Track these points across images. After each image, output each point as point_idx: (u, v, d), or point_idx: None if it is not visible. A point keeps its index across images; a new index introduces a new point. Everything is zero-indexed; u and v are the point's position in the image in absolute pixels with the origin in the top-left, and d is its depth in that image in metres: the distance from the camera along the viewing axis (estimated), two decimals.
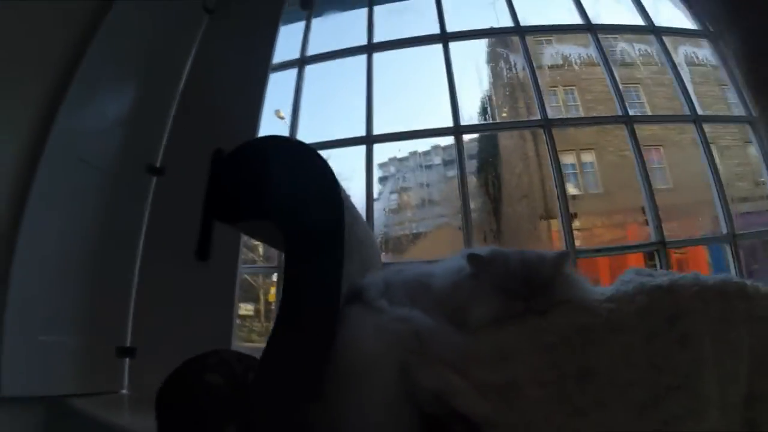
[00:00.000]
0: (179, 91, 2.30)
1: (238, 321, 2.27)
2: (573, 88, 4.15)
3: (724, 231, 2.11)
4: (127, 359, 2.05)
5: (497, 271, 0.87)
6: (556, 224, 4.50)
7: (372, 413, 0.74)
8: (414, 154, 4.10)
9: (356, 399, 0.75)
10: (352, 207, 1.04)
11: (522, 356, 0.79)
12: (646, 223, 2.60)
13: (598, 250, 2.12)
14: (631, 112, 2.20)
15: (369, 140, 2.09)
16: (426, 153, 4.05)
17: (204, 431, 1.28)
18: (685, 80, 2.30)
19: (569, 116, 3.36)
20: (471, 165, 4.31)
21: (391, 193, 4.35)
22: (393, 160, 4.13)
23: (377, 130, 2.15)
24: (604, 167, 4.27)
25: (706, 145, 2.13)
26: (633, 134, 2.05)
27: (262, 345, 0.96)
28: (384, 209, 4.29)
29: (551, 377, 0.79)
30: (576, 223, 4.12)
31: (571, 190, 4.33)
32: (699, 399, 0.83)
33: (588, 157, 4.27)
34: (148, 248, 2.12)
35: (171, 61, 2.30)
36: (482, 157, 4.04)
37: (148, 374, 1.94)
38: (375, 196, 3.21)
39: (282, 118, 2.44)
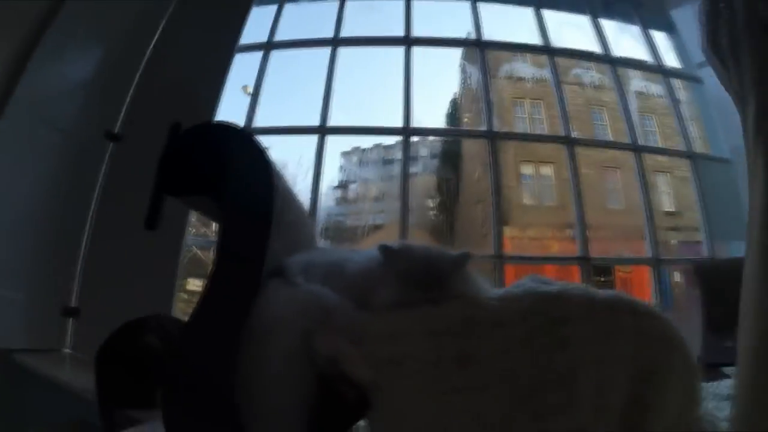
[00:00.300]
0: (144, 61, 2.37)
1: (185, 296, 2.36)
2: (540, 102, 4.33)
3: (662, 255, 2.29)
4: (71, 319, 2.12)
5: (402, 262, 1.01)
6: (508, 231, 4.70)
7: (274, 369, 0.87)
8: (378, 146, 4.20)
9: (262, 356, 0.87)
10: (287, 193, 1.17)
11: (410, 336, 0.93)
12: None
13: (523, 258, 2.29)
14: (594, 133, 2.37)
15: (322, 131, 2.20)
16: (389, 147, 4.17)
17: (137, 390, 1.41)
18: (632, 110, 2.49)
19: (515, 131, 3.52)
20: (433, 164, 4.46)
21: (350, 182, 4.46)
22: (356, 150, 4.23)
23: (340, 121, 2.27)
24: (561, 182, 4.47)
25: (641, 173, 2.32)
26: (572, 155, 2.23)
27: None
28: (341, 198, 4.41)
29: (433, 357, 0.93)
30: (529, 232, 4.33)
31: (527, 200, 4.52)
32: (573, 397, 0.95)
33: (546, 171, 4.45)
34: (99, 213, 2.20)
35: (139, 30, 2.35)
36: (444, 157, 4.18)
37: (90, 335, 2.03)
38: (335, 183, 3.31)
39: (249, 93, 2.53)
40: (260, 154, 1.05)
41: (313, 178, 2.19)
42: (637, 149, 2.39)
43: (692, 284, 2.53)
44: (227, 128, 1.12)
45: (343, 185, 4.55)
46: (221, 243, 1.02)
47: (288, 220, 1.11)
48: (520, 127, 4.24)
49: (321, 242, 2.33)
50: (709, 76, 2.56)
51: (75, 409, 1.68)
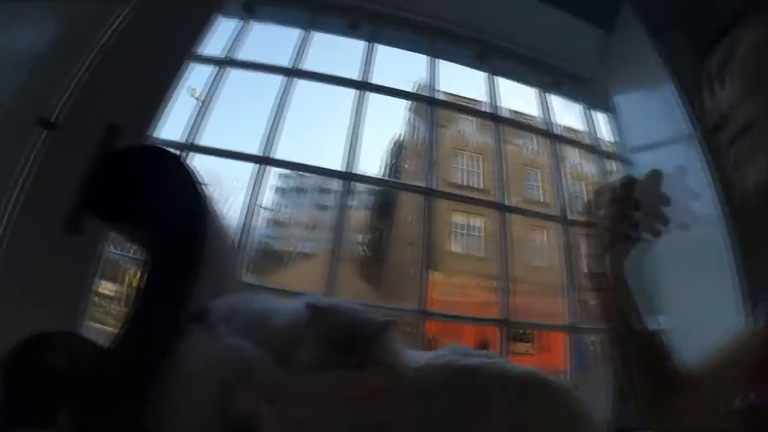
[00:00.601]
0: (95, 51, 2.25)
1: (96, 299, 2.23)
2: (480, 156, 4.51)
3: (579, 318, 2.43)
4: None
5: (328, 323, 1.02)
6: (435, 275, 4.79)
7: (188, 420, 0.87)
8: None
9: (177, 405, 0.87)
10: (219, 232, 1.16)
11: (327, 401, 0.95)
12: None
13: (445, 316, 2.34)
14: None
15: (264, 161, 2.18)
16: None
17: (40, 410, 1.32)
18: (564, 178, 2.65)
19: (453, 186, 3.62)
20: (368, 200, 4.50)
21: (283, 206, 4.42)
22: (294, 174, 4.20)
23: (281, 151, 2.25)
24: (489, 234, 4.62)
25: (567, 242, 2.46)
26: (504, 220, 2.34)
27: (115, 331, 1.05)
28: (271, 220, 4.35)
29: (349, 423, 0.95)
30: (454, 279, 4.43)
31: (455, 248, 4.64)
32: None
33: (477, 222, 4.59)
34: (16, 202, 2.04)
35: (97, 18, 2.25)
36: (380, 198, 4.23)
37: None
38: (269, 205, 3.25)
39: (197, 98, 2.46)
40: (195, 189, 1.03)
41: (248, 206, 2.15)
42: (565, 222, 2.54)
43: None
44: (164, 157, 1.09)
45: (275, 208, 4.50)
46: (145, 278, 0.99)
47: (216, 261, 1.10)
48: (458, 177, 4.39)
49: (246, 270, 2.28)
50: (640, 160, 2.78)
51: None
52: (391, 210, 4.21)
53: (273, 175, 2.51)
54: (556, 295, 3.16)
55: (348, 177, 2.29)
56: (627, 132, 2.93)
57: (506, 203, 2.45)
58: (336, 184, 2.41)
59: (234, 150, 2.27)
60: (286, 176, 4.37)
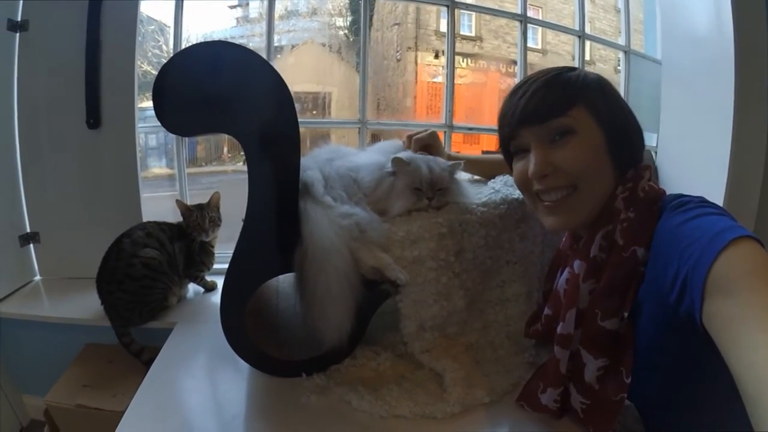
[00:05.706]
0: None
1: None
2: None
3: None
4: (32, 245, 2.13)
5: (412, 174, 1.33)
6: (422, 57, 4.90)
7: (338, 285, 1.17)
8: None
9: (326, 277, 1.16)
10: None
11: (424, 241, 1.30)
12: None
13: (467, 128, 2.58)
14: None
15: None
16: None
17: (148, 307, 1.71)
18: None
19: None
20: None
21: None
22: None
23: None
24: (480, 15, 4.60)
25: (581, 58, 2.64)
26: (524, 33, 2.48)
27: None
28: (241, 18, 4.27)
29: (442, 255, 1.32)
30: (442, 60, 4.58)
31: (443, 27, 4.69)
32: (525, 272, 1.48)
33: None
34: (26, 121, 2.05)
35: None
36: None
37: (57, 254, 2.14)
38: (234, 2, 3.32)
39: None
40: (273, 70, 1.14)
41: None
42: (582, 36, 2.67)
43: None
44: (232, 48, 1.15)
45: (242, 3, 4.38)
46: (253, 172, 1.18)
47: None
48: None
49: None
50: None
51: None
52: None
53: None
54: None
55: None
56: None
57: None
58: None
59: None
60: None
